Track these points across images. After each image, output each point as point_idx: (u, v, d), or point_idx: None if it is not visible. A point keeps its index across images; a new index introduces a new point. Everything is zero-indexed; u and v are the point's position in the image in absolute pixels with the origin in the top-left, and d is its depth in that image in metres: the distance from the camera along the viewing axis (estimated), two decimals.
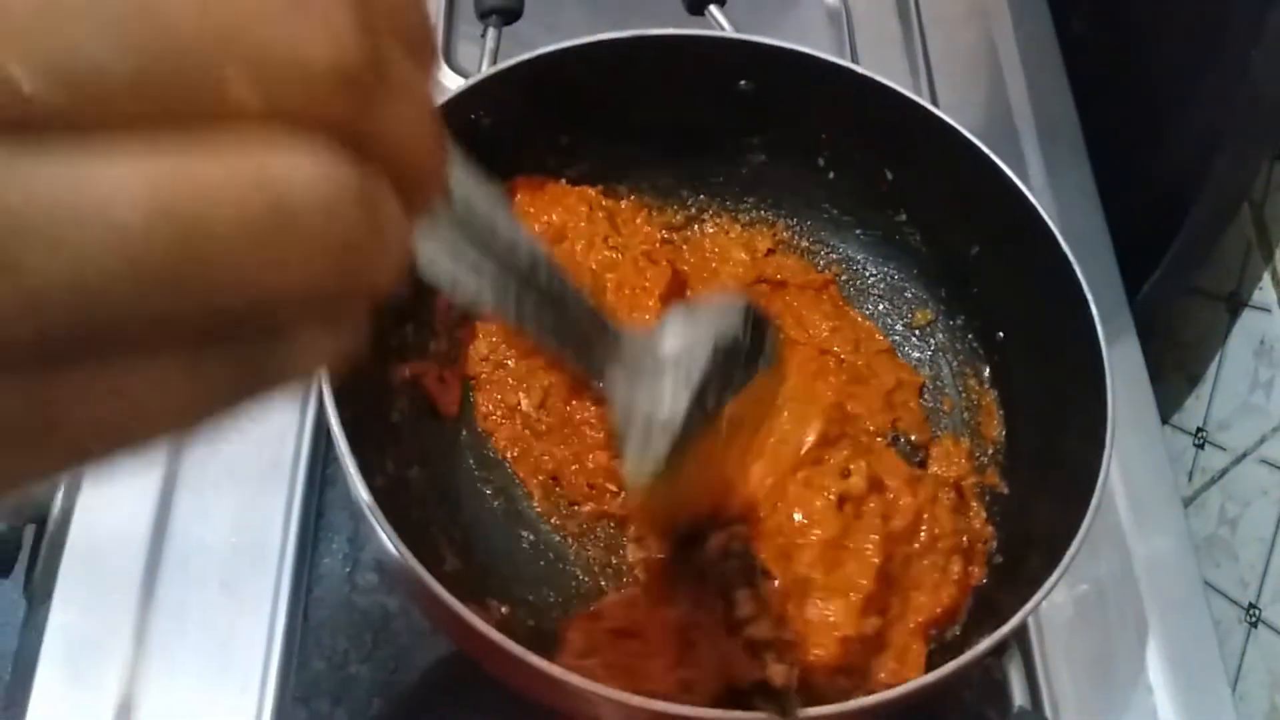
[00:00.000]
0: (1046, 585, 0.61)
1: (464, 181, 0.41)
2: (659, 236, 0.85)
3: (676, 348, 0.57)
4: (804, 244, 0.90)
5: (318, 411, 0.83)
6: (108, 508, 0.78)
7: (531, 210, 0.81)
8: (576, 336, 0.53)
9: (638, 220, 0.84)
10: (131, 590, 0.76)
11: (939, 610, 0.69)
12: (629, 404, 0.57)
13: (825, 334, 0.83)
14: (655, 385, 0.57)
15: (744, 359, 0.61)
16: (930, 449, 0.79)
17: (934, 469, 0.77)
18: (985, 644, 0.59)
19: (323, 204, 0.21)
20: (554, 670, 0.56)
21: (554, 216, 0.82)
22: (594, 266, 0.80)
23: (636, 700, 0.56)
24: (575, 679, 0.57)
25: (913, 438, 0.78)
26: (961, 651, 0.60)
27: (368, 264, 0.23)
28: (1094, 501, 0.64)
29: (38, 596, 0.75)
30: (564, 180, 0.84)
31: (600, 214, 0.83)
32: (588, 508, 0.76)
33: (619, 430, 0.58)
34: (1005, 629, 0.60)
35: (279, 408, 0.83)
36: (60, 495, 0.78)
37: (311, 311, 0.23)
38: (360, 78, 0.22)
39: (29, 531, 0.77)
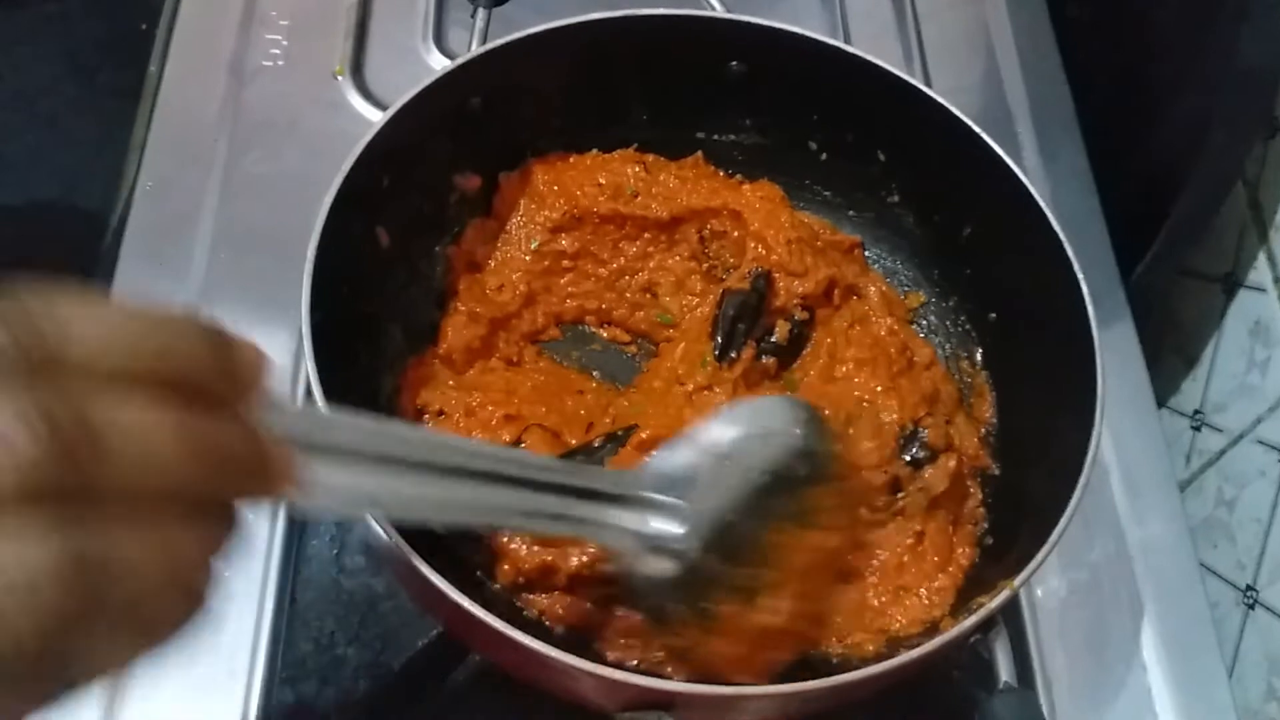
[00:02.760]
0: (1033, 563, 0.61)
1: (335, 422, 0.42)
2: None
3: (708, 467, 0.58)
4: None
5: (305, 394, 0.83)
6: None
7: (555, 188, 0.81)
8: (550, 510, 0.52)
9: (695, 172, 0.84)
10: None
11: None
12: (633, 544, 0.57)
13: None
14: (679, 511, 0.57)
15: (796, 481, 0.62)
16: (938, 456, 0.75)
17: (932, 472, 0.74)
18: (970, 620, 0.59)
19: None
20: (542, 649, 0.56)
21: (603, 179, 0.81)
22: (699, 206, 0.81)
23: (619, 675, 0.56)
24: (562, 656, 0.56)
25: (925, 436, 0.75)
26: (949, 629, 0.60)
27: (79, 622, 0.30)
28: (1082, 480, 0.64)
29: None
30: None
31: (655, 164, 0.83)
32: None
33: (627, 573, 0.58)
34: (991, 605, 0.60)
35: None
36: None
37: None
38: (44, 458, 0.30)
39: None
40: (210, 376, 0.35)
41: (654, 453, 0.61)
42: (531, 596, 0.68)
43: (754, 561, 0.61)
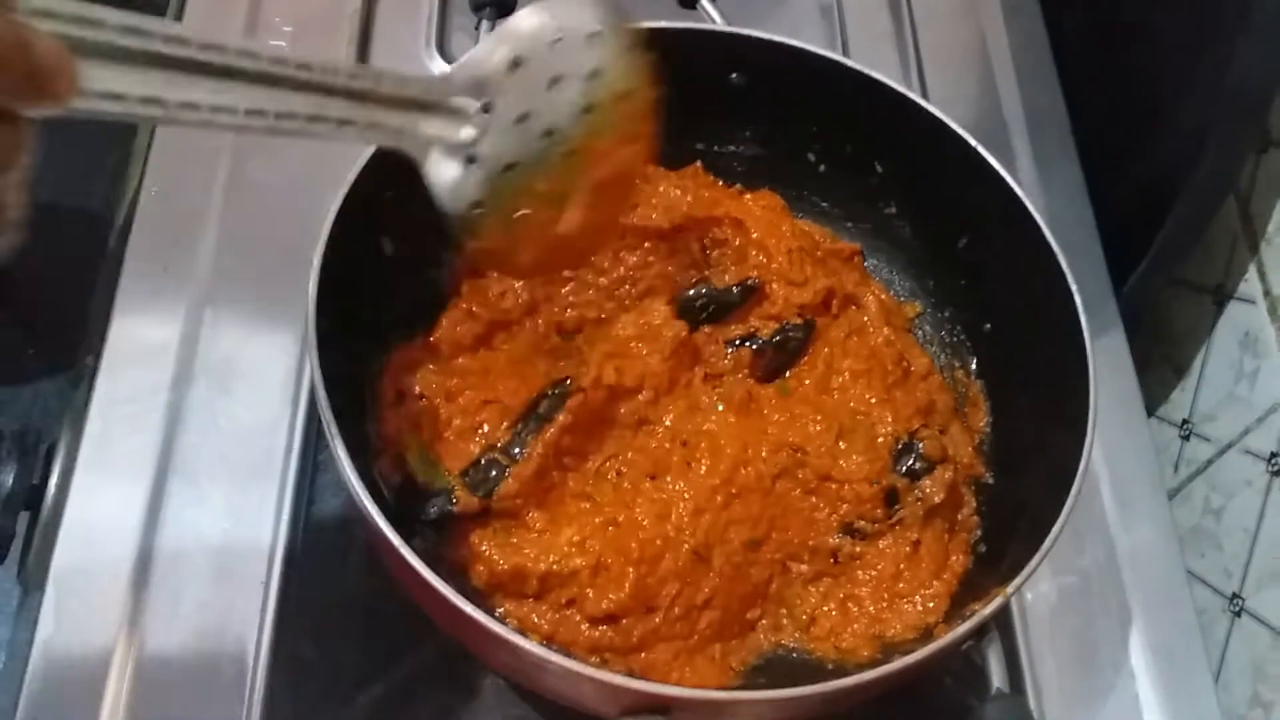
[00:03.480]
0: (1025, 571, 0.62)
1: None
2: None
3: (498, 67, 0.59)
4: None
5: (309, 400, 0.84)
6: (101, 495, 0.79)
7: None
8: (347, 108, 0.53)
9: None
10: (124, 577, 0.76)
11: None
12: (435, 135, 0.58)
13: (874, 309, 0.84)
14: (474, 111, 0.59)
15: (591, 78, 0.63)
16: (935, 468, 0.76)
17: (929, 484, 0.75)
18: (963, 627, 0.60)
19: None
20: (543, 654, 0.57)
21: None
22: (701, 215, 0.82)
23: (619, 680, 0.57)
24: (563, 661, 0.58)
25: (922, 448, 0.75)
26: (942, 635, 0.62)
27: None
28: (1074, 489, 0.65)
29: (31, 584, 0.76)
30: None
31: (655, 174, 0.83)
32: None
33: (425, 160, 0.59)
34: (985, 612, 0.61)
35: (271, 397, 0.84)
36: (54, 482, 0.79)
37: None
38: None
39: (22, 519, 0.78)
40: None
41: (460, 60, 0.62)
42: (509, 605, 0.69)
43: (550, 167, 0.63)
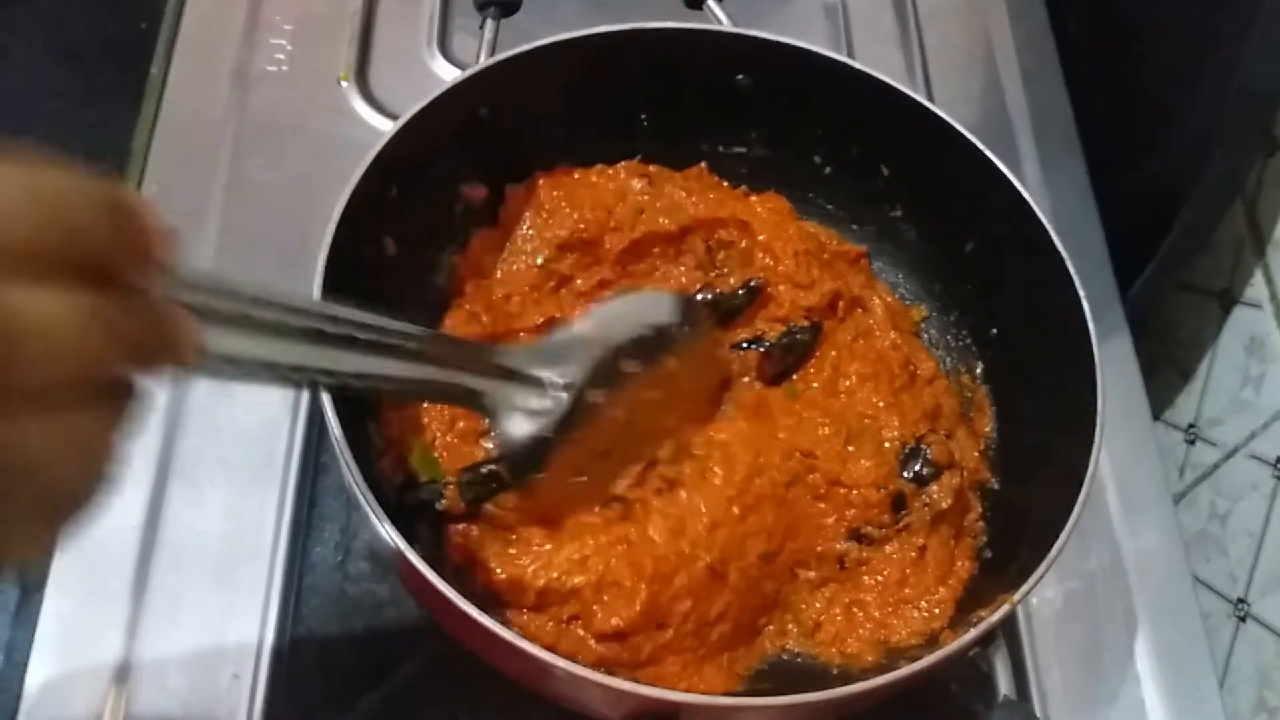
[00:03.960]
0: (1033, 578, 0.62)
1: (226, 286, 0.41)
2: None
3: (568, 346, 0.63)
4: None
5: (310, 403, 0.83)
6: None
7: (563, 205, 0.81)
8: (428, 380, 0.55)
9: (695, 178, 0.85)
10: (125, 579, 0.76)
11: None
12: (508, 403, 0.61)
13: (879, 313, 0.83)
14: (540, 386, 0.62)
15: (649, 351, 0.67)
16: (942, 473, 0.76)
17: (937, 488, 0.75)
18: (971, 634, 0.60)
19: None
20: (548, 658, 0.57)
21: (612, 208, 0.82)
22: (706, 216, 0.81)
23: (627, 685, 0.57)
24: (571, 666, 0.57)
25: (929, 452, 0.76)
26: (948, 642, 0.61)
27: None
28: (1082, 495, 0.64)
29: (31, 585, 0.76)
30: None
31: (659, 175, 0.83)
32: None
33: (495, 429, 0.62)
34: (992, 619, 0.61)
35: (272, 399, 0.83)
36: None
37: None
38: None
39: None
40: (116, 250, 0.33)
41: (547, 336, 0.65)
42: (509, 614, 0.68)
43: (613, 436, 0.67)
